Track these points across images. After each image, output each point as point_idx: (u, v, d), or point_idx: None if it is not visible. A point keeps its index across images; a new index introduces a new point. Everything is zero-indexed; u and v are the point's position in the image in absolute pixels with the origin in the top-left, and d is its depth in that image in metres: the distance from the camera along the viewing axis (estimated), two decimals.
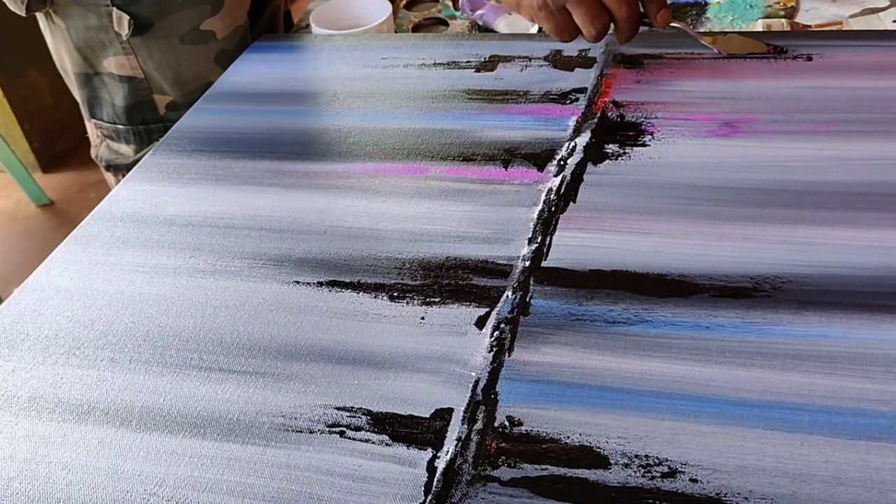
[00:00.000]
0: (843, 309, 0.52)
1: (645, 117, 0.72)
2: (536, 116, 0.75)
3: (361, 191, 0.69)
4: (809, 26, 0.88)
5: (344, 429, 0.49)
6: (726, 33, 0.82)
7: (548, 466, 0.46)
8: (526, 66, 0.83)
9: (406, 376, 0.52)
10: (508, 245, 0.61)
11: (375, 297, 0.58)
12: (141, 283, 0.62)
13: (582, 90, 0.78)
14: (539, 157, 0.70)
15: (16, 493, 0.48)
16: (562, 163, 0.68)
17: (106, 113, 0.96)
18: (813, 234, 0.58)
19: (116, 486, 0.48)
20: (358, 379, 0.52)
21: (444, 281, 0.59)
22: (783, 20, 0.89)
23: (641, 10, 0.77)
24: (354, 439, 0.49)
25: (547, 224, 0.62)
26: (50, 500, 0.47)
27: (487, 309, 0.56)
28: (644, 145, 0.69)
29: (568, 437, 0.47)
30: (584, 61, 0.82)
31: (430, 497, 0.45)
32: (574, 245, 0.60)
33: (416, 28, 1.04)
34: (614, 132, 0.71)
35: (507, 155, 0.70)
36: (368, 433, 0.49)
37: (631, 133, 0.71)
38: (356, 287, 0.59)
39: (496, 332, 0.54)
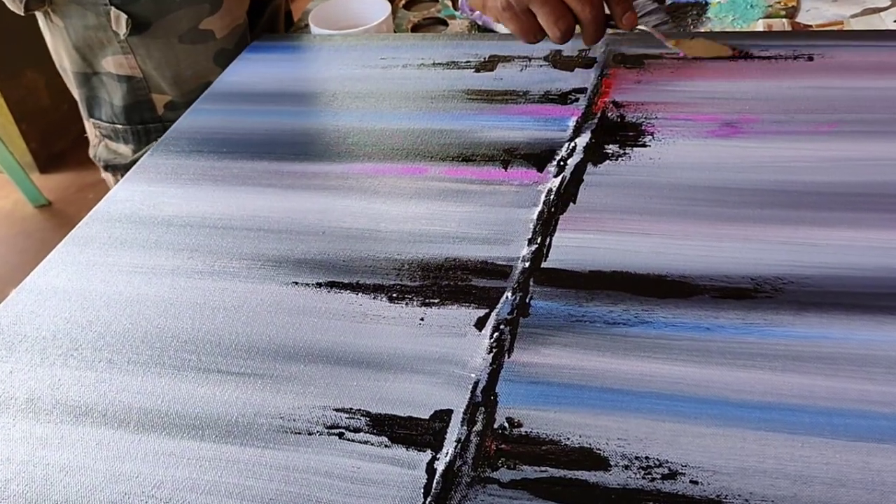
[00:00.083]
0: (844, 310, 0.52)
1: (645, 118, 0.72)
2: (536, 117, 0.75)
3: (360, 191, 0.68)
4: (810, 26, 0.88)
5: (343, 430, 0.49)
6: (693, 37, 0.82)
7: (548, 468, 0.46)
8: (526, 66, 0.83)
9: (405, 378, 0.52)
10: (508, 246, 0.61)
11: (374, 298, 0.58)
12: (139, 284, 0.62)
13: (582, 90, 0.78)
14: (539, 157, 0.70)
15: (13, 495, 0.48)
16: (562, 163, 0.68)
17: (104, 112, 0.96)
18: (814, 234, 0.58)
19: (114, 488, 0.48)
20: (357, 380, 0.52)
21: (444, 282, 0.59)
22: (784, 20, 0.89)
23: (607, 12, 0.77)
24: (353, 441, 0.49)
25: (547, 225, 0.62)
26: (48, 503, 0.47)
27: (487, 310, 0.56)
28: (644, 146, 0.69)
29: (568, 439, 0.47)
30: (585, 61, 0.82)
31: (429, 499, 0.45)
32: (574, 246, 0.60)
33: (416, 28, 1.04)
34: (614, 132, 0.71)
35: (507, 155, 0.70)
36: (367, 435, 0.49)
37: (631, 133, 0.71)
38: (355, 288, 0.59)
39: (496, 334, 0.54)
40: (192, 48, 0.91)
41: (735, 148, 0.67)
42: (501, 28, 0.96)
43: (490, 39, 0.89)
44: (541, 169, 0.68)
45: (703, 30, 0.90)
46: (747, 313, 0.53)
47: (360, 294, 0.58)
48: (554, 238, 0.61)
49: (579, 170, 0.67)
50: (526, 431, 0.48)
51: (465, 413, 0.49)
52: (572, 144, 0.70)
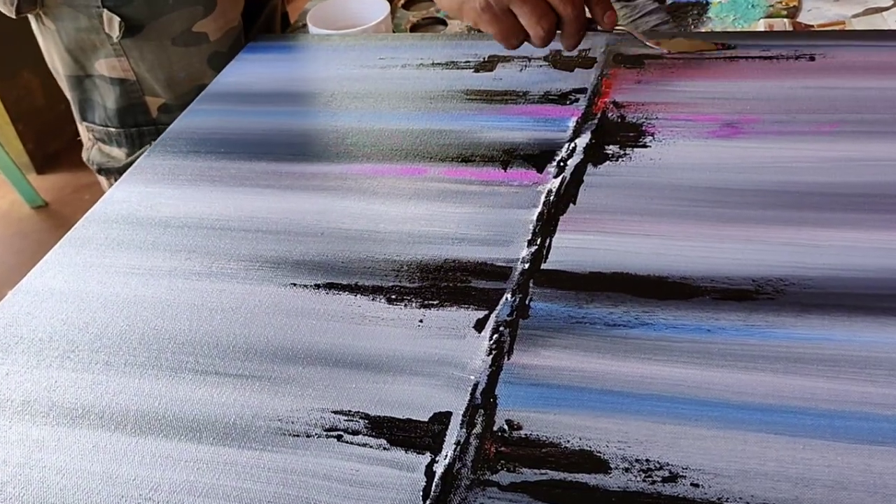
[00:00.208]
0: (846, 312, 0.52)
1: (646, 118, 0.72)
2: (536, 117, 0.75)
3: (359, 192, 0.68)
4: (812, 26, 0.88)
5: (341, 433, 0.49)
6: (673, 36, 0.81)
7: (547, 471, 0.45)
8: (525, 66, 0.83)
9: (404, 380, 0.52)
10: (507, 247, 0.61)
11: (373, 299, 0.58)
12: (136, 286, 0.61)
13: (582, 90, 0.77)
14: (538, 158, 0.69)
15: (9, 498, 0.47)
16: (562, 164, 0.68)
17: (97, 116, 0.96)
18: (816, 235, 0.58)
19: (111, 491, 0.47)
20: (355, 382, 0.52)
21: (443, 283, 0.58)
22: (785, 20, 0.89)
23: (588, 15, 0.76)
24: (352, 443, 0.48)
25: (547, 226, 0.62)
26: None
27: (486, 312, 0.56)
28: (645, 146, 0.69)
29: (568, 442, 0.47)
30: (585, 61, 0.82)
31: (428, 502, 0.45)
32: (574, 247, 0.60)
33: (415, 28, 1.04)
34: (615, 133, 0.71)
35: (507, 156, 0.70)
36: (366, 437, 0.48)
37: (631, 134, 0.70)
38: (354, 289, 0.59)
39: (495, 335, 0.54)
40: (185, 50, 0.91)
41: (736, 148, 0.67)
42: None
43: (489, 39, 0.89)
44: (540, 170, 0.68)
45: (703, 30, 0.90)
46: (748, 315, 0.52)
47: (358, 295, 0.58)
48: (554, 239, 0.61)
49: (579, 170, 0.67)
50: (526, 434, 0.47)
51: (464, 415, 0.49)
52: (572, 145, 0.70)
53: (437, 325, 0.55)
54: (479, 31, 0.96)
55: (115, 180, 0.75)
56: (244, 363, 0.54)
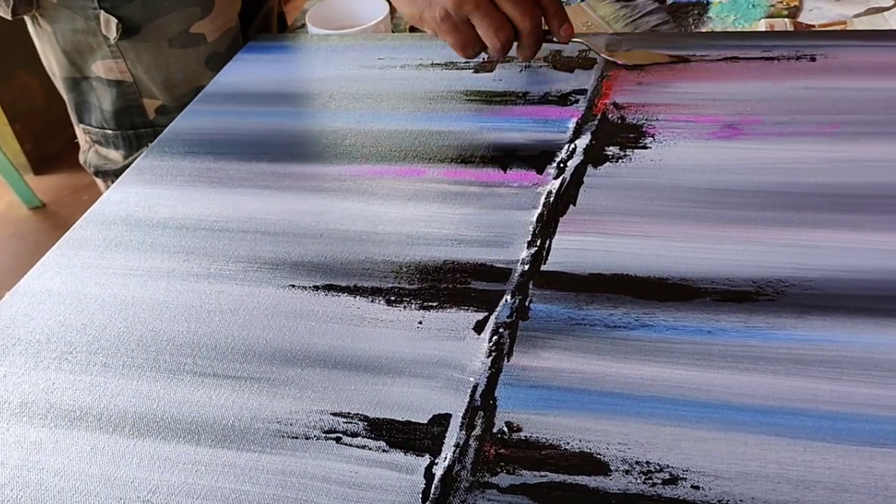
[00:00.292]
0: (847, 313, 0.52)
1: (646, 119, 0.72)
2: (536, 118, 0.75)
3: (358, 193, 0.68)
4: (813, 26, 0.88)
5: (340, 435, 0.49)
6: (628, 49, 0.82)
7: (547, 473, 0.45)
8: (525, 66, 0.83)
9: (403, 381, 0.51)
10: (507, 248, 0.60)
11: (372, 301, 0.58)
12: (134, 287, 0.61)
13: (582, 92, 0.77)
14: (538, 159, 0.69)
15: (7, 500, 0.47)
16: (561, 165, 0.68)
17: (94, 118, 0.95)
18: (816, 237, 0.57)
19: (109, 493, 0.47)
20: (354, 384, 0.52)
21: (442, 285, 0.58)
22: (786, 20, 0.89)
23: (545, 27, 0.77)
24: (351, 445, 0.48)
25: (546, 227, 0.62)
26: None
27: (486, 313, 0.55)
28: (645, 147, 0.68)
29: (568, 444, 0.46)
30: (584, 62, 0.82)
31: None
32: (574, 248, 0.59)
33: (414, 28, 1.03)
34: (615, 134, 0.71)
35: (506, 157, 0.70)
36: (365, 439, 0.48)
37: (632, 135, 0.70)
38: (352, 291, 0.59)
39: (495, 337, 0.53)
40: (182, 52, 0.90)
41: (737, 149, 0.67)
42: None
43: None
44: (540, 171, 0.68)
45: (704, 30, 0.90)
46: (749, 316, 0.52)
47: (357, 297, 0.58)
48: (554, 240, 0.60)
49: (579, 172, 0.67)
50: (525, 436, 0.47)
51: (463, 417, 0.49)
52: (572, 146, 0.70)
53: (437, 327, 0.55)
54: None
55: (113, 183, 0.75)
56: (243, 365, 0.54)
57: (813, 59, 0.77)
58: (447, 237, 0.62)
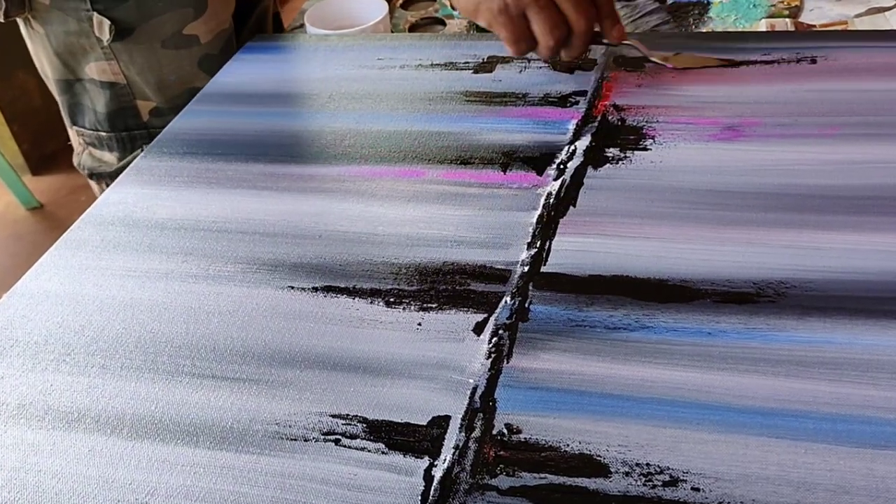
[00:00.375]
0: (847, 314, 0.52)
1: (646, 121, 0.72)
2: (536, 119, 0.74)
3: (357, 194, 0.68)
4: (814, 26, 0.88)
5: (339, 437, 0.49)
6: (677, 52, 0.81)
7: (547, 475, 0.45)
8: (525, 67, 0.82)
9: (402, 383, 0.51)
10: (507, 250, 0.60)
11: (371, 302, 0.57)
12: (132, 288, 0.61)
13: (582, 93, 0.77)
14: (538, 160, 0.69)
15: (5, 502, 0.47)
16: (561, 166, 0.68)
17: (88, 120, 0.95)
18: (817, 238, 0.57)
19: (107, 495, 0.47)
20: (353, 386, 0.51)
21: (442, 286, 0.58)
22: (787, 20, 0.89)
23: (597, 28, 0.77)
24: (350, 447, 0.48)
25: (546, 228, 0.62)
26: None
27: (485, 315, 0.55)
28: (645, 149, 0.68)
29: (567, 445, 0.46)
30: (585, 64, 0.82)
31: None
32: (574, 250, 0.59)
33: (413, 28, 1.03)
34: (615, 136, 0.70)
35: (506, 158, 0.70)
36: (364, 441, 0.48)
37: (632, 137, 0.70)
38: (352, 292, 0.58)
39: (494, 339, 0.53)
40: (175, 53, 0.90)
41: (737, 151, 0.67)
42: None
43: (489, 40, 0.89)
44: (540, 172, 0.68)
45: (704, 30, 0.90)
46: (749, 318, 0.52)
47: (356, 298, 0.58)
48: (553, 242, 0.60)
49: (579, 173, 0.67)
50: (525, 438, 0.47)
51: (463, 419, 0.49)
52: (572, 147, 0.70)
53: (436, 329, 0.55)
54: (480, 31, 0.96)
55: (107, 185, 0.74)
56: (241, 366, 0.54)
57: (814, 61, 0.77)
58: (447, 238, 0.62)
